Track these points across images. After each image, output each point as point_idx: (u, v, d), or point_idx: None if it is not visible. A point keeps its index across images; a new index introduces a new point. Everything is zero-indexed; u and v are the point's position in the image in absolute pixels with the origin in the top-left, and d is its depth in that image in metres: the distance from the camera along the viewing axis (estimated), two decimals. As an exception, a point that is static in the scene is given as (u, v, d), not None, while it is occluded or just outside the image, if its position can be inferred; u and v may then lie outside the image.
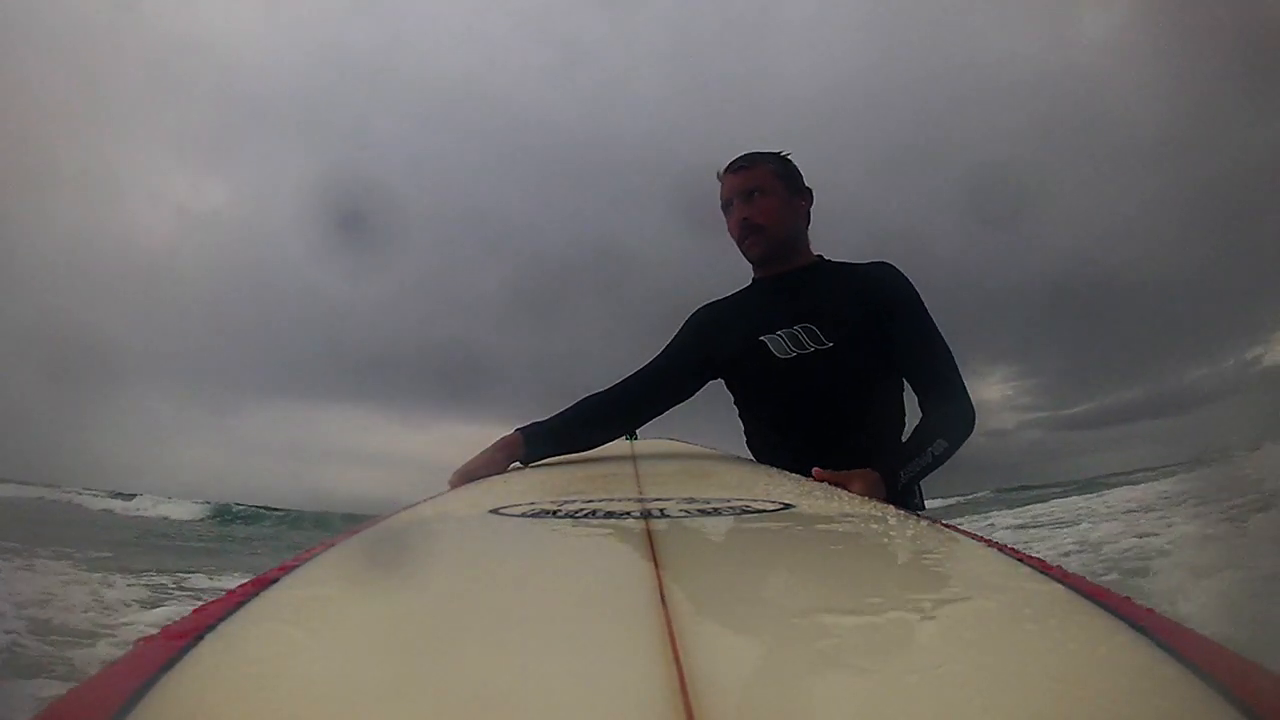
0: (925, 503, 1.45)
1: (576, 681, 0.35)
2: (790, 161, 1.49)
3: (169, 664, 0.36)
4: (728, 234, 1.51)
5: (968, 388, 1.36)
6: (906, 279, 1.43)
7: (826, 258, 1.51)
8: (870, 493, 1.12)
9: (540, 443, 1.36)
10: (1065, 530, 7.20)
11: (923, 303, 1.41)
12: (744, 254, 1.49)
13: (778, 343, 1.39)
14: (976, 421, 1.34)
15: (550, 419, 1.41)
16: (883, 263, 1.45)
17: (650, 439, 1.57)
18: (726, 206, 1.48)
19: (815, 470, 1.16)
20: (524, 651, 0.38)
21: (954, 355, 1.39)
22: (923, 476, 1.29)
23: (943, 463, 1.29)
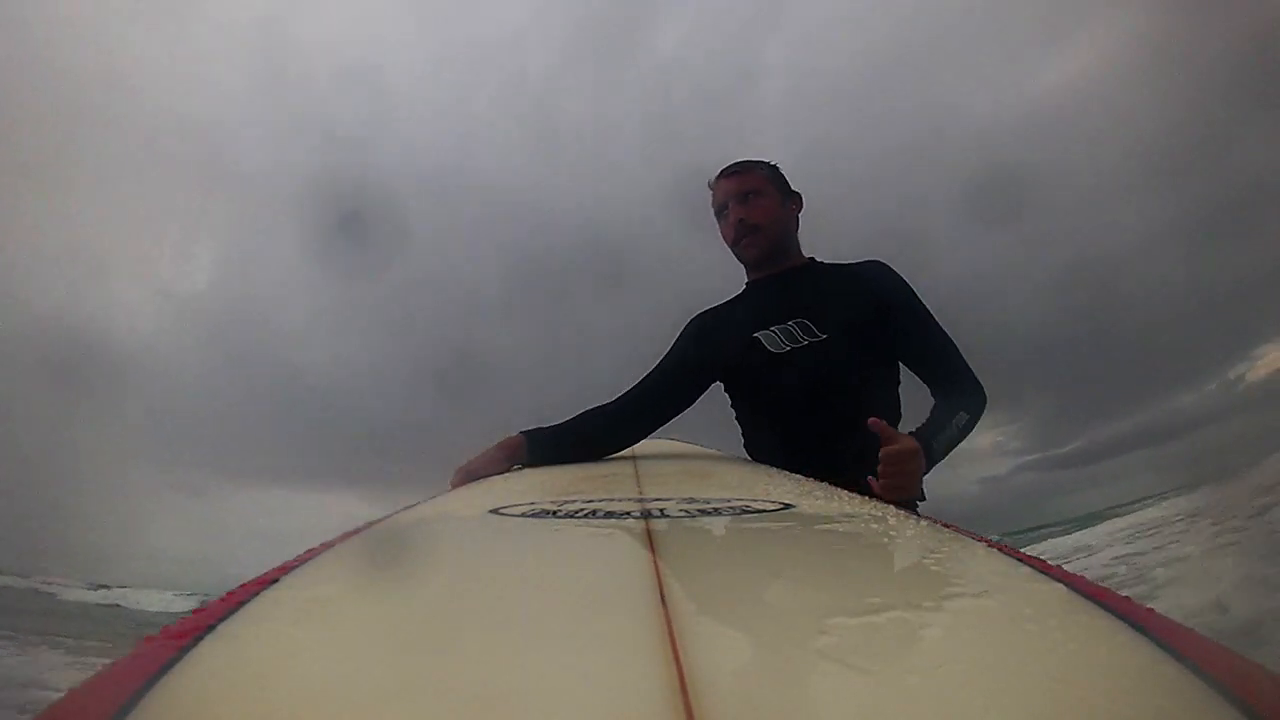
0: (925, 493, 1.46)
1: (576, 681, 0.35)
2: (779, 169, 1.53)
3: (169, 664, 0.36)
4: (721, 240, 1.54)
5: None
6: (899, 274, 1.45)
7: (818, 259, 1.53)
8: (912, 456, 1.14)
9: (542, 447, 1.37)
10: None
11: (918, 295, 1.43)
12: (740, 256, 1.52)
13: (772, 338, 1.41)
14: (987, 405, 1.36)
15: (554, 426, 1.42)
16: (874, 261, 1.48)
17: (650, 439, 1.57)
18: (721, 210, 1.51)
19: (871, 420, 1.16)
20: (524, 651, 0.38)
21: (956, 346, 1.40)
22: (949, 450, 1.29)
23: (965, 436, 1.30)
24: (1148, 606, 0.44)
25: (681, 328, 1.58)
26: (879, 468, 1.15)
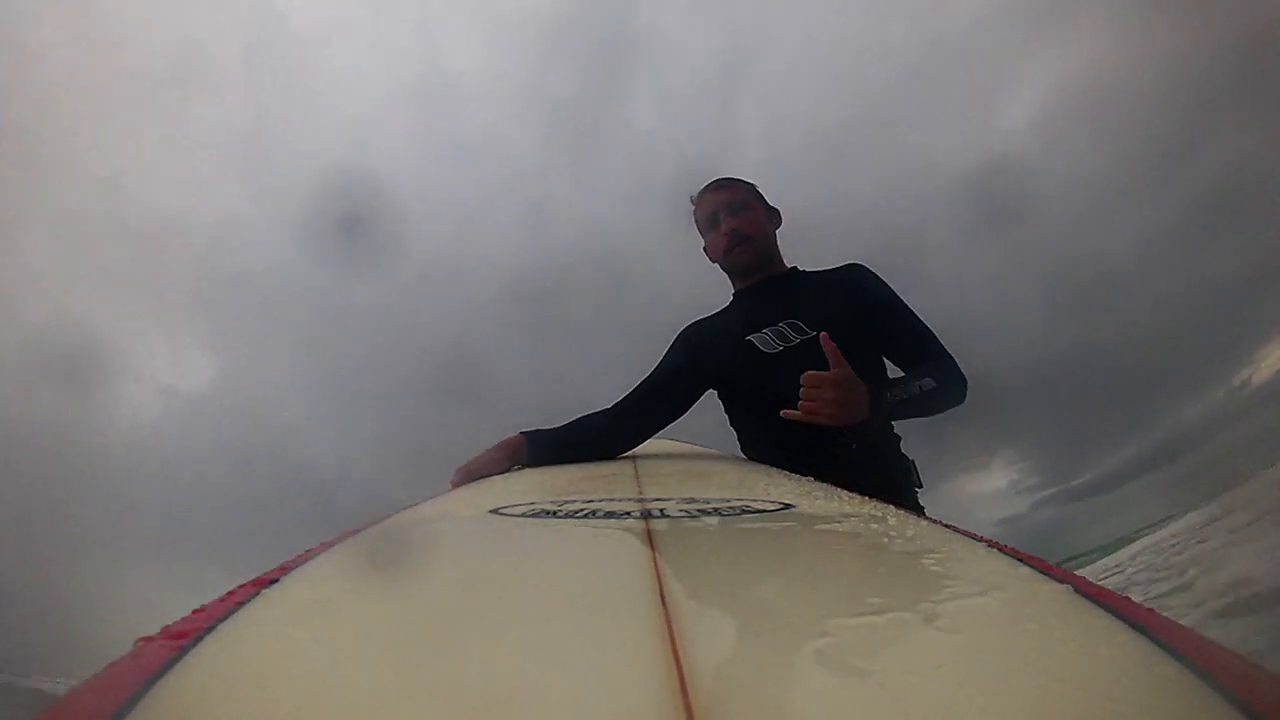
0: (923, 480, 1.47)
1: (576, 681, 0.35)
2: (757, 187, 1.60)
3: (169, 664, 0.36)
4: (705, 253, 1.61)
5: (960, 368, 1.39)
6: (877, 275, 1.50)
7: (801, 268, 1.59)
8: (834, 383, 1.16)
9: (542, 449, 1.39)
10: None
11: (895, 292, 1.47)
12: (730, 264, 1.58)
13: (765, 339, 1.45)
14: (970, 387, 1.36)
15: (553, 429, 1.44)
16: (852, 264, 1.54)
17: (650, 439, 1.58)
18: (710, 221, 1.57)
19: (822, 335, 1.18)
20: (524, 651, 0.38)
21: (938, 339, 1.43)
22: (909, 410, 1.30)
23: (930, 403, 1.30)
24: (1147, 607, 0.44)
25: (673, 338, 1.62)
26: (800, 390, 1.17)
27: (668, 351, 1.58)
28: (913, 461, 1.46)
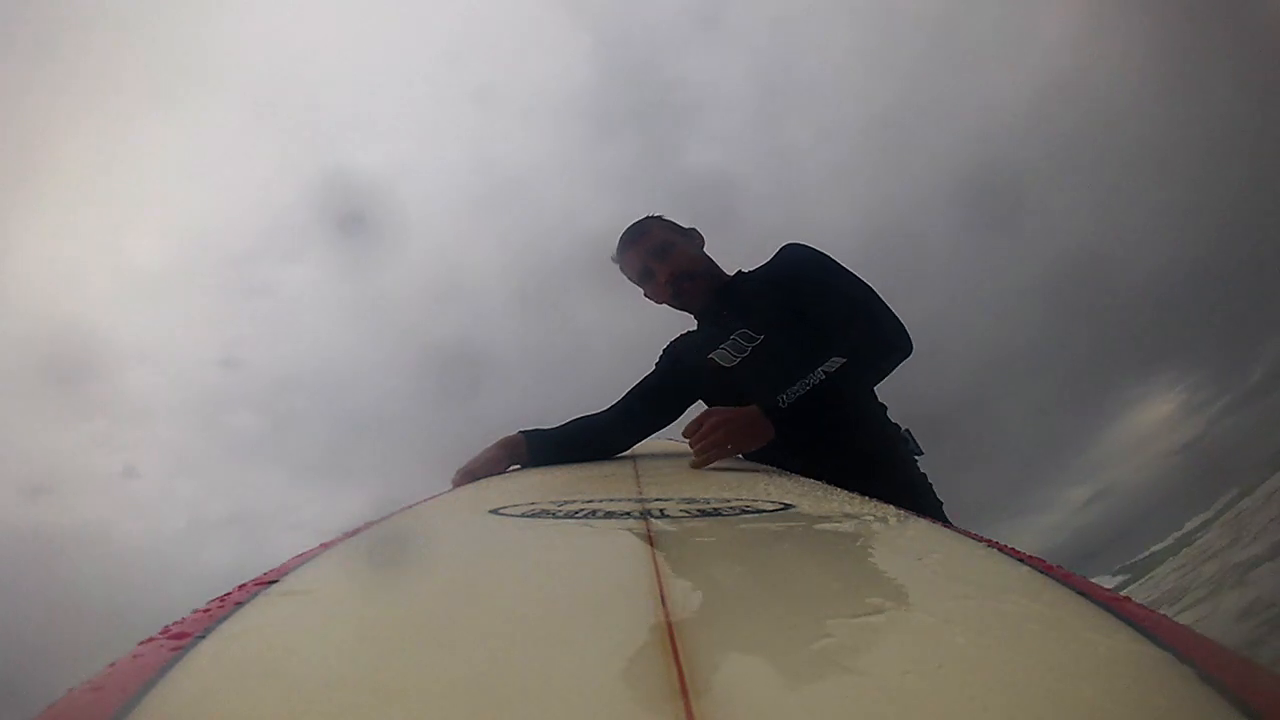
0: (921, 447, 1.47)
1: (577, 681, 0.35)
2: (663, 216, 1.60)
3: (169, 664, 0.36)
4: (649, 300, 1.61)
5: (898, 318, 1.35)
6: (808, 247, 1.50)
7: (744, 270, 1.59)
8: (745, 423, 1.19)
9: (542, 448, 1.40)
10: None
11: (830, 260, 1.45)
12: (685, 306, 1.58)
13: (723, 355, 1.48)
14: (914, 346, 1.34)
15: (551, 429, 1.46)
16: (786, 245, 1.53)
17: (650, 438, 1.58)
18: (644, 274, 1.56)
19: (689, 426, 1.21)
20: (524, 651, 0.38)
21: (874, 293, 1.38)
22: (824, 395, 1.25)
23: (850, 378, 1.27)
24: (1147, 607, 0.44)
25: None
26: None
27: (658, 363, 1.63)
28: (907, 430, 1.46)
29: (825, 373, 1.25)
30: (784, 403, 1.23)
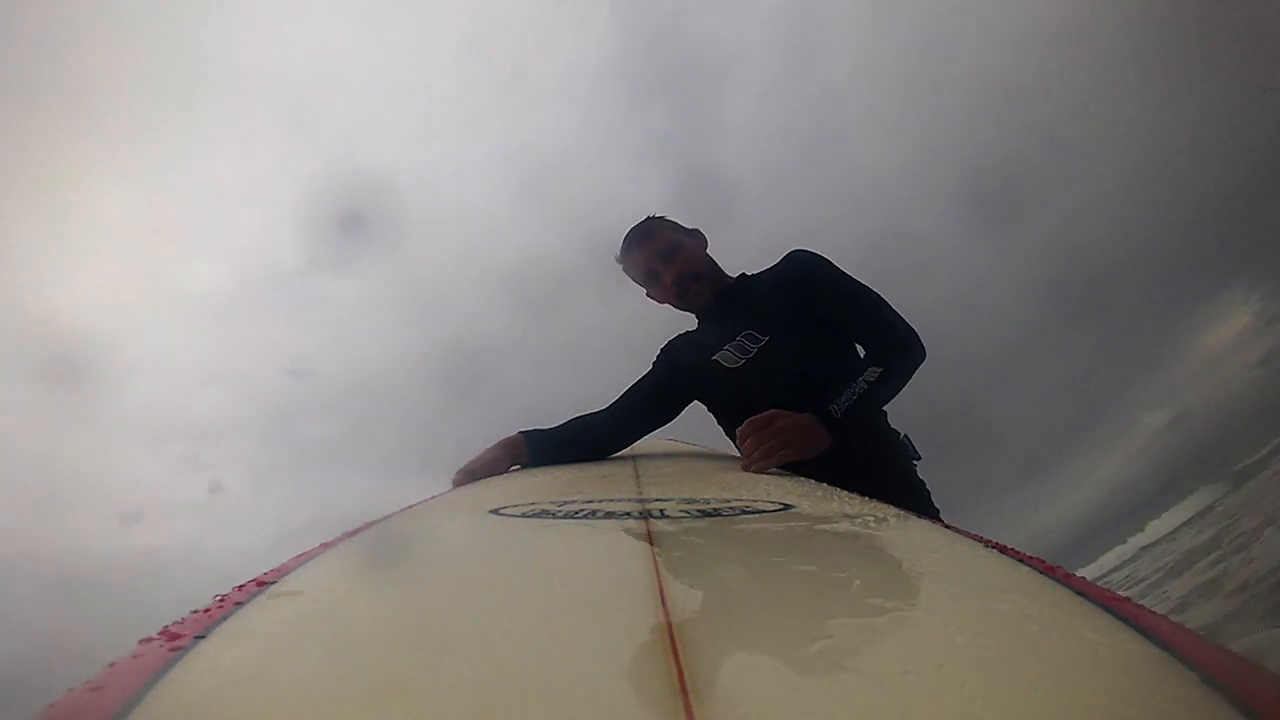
0: (920, 452, 1.48)
1: (577, 681, 0.35)
2: (666, 217, 1.61)
3: (169, 664, 0.36)
4: (650, 299, 1.62)
5: (910, 325, 1.38)
6: (816, 254, 1.51)
7: (748, 273, 1.60)
8: (804, 430, 1.18)
9: (542, 448, 1.40)
10: None
11: (838, 268, 1.47)
12: (690, 307, 1.59)
13: (727, 355, 1.47)
14: (927, 350, 1.36)
15: (551, 428, 1.46)
16: (793, 251, 1.54)
17: (650, 438, 1.58)
18: (649, 276, 1.57)
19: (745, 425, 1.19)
20: (524, 651, 0.38)
21: (885, 301, 1.41)
22: (868, 405, 1.28)
23: (887, 387, 1.30)
24: (1148, 607, 0.44)
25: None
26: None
27: (655, 363, 1.62)
28: (906, 435, 1.46)
29: (867, 382, 1.26)
30: (837, 412, 1.23)
